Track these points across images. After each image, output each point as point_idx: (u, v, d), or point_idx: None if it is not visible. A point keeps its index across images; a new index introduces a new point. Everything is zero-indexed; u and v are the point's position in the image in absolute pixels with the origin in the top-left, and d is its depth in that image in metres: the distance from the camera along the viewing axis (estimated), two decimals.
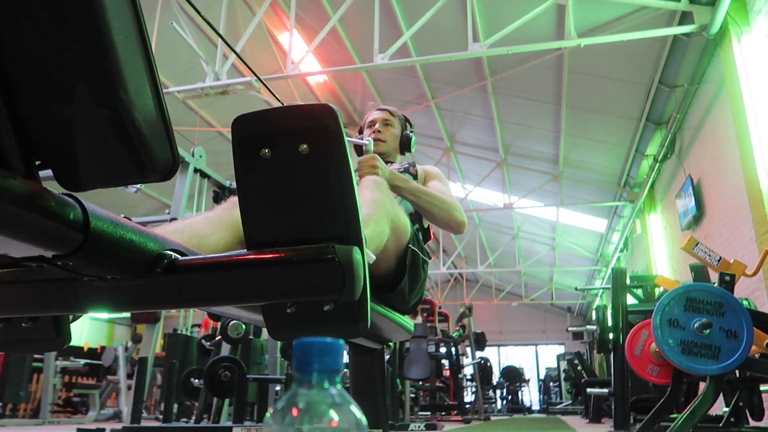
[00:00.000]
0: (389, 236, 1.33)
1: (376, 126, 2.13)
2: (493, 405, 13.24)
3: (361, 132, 2.22)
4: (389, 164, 1.98)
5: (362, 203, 1.27)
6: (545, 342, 19.03)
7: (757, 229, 4.76)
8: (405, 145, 2.17)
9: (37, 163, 0.59)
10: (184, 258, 0.72)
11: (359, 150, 2.09)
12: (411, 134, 2.18)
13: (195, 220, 1.33)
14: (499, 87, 7.88)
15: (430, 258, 1.65)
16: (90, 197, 0.59)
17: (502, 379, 13.79)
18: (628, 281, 4.13)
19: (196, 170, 4.83)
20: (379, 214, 1.29)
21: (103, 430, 3.98)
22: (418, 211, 1.83)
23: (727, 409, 3.12)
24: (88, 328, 15.03)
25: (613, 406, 3.89)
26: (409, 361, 6.64)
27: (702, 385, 2.67)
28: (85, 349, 8.82)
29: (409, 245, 1.49)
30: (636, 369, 3.07)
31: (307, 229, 0.74)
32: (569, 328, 6.89)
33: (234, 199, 1.43)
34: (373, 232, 1.22)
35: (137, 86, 0.57)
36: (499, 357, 18.70)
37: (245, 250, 0.74)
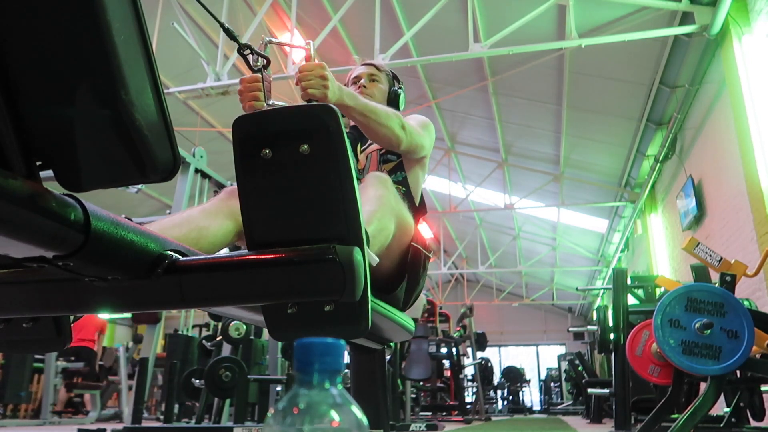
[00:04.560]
0: (393, 234, 1.32)
1: (362, 81, 1.96)
2: (494, 405, 13.24)
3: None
4: None
5: (366, 200, 1.25)
6: (546, 342, 19.02)
7: (758, 229, 4.75)
8: (393, 102, 1.99)
9: (38, 163, 0.59)
10: (184, 258, 0.72)
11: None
12: (399, 90, 2.03)
13: (192, 213, 1.33)
14: (499, 87, 7.88)
15: (431, 253, 1.62)
16: (91, 198, 0.59)
17: (503, 380, 13.78)
18: (629, 281, 4.13)
19: (196, 171, 4.83)
20: (383, 211, 1.27)
21: (104, 430, 3.98)
22: (364, 132, 1.68)
23: (728, 410, 3.12)
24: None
25: (614, 407, 3.89)
26: (410, 361, 6.64)
27: (703, 386, 2.67)
28: None
29: (413, 242, 1.48)
30: (637, 369, 3.07)
31: (308, 229, 0.74)
32: (570, 329, 6.88)
33: (229, 189, 1.42)
34: (376, 230, 1.20)
35: (138, 87, 0.57)
36: (500, 357, 18.70)
37: (246, 251, 0.74)
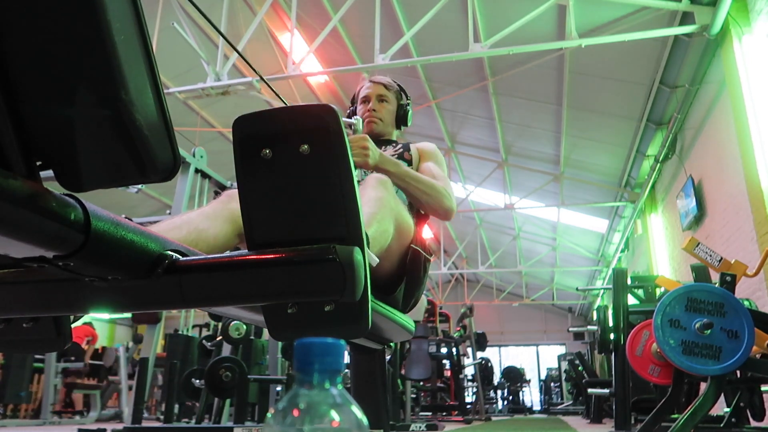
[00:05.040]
0: (393, 235, 1.32)
1: (370, 104, 2.01)
2: (494, 405, 13.24)
3: (353, 103, 2.11)
4: (384, 146, 1.93)
5: (366, 202, 1.26)
6: (546, 342, 19.02)
7: (758, 229, 4.75)
8: (402, 120, 2.06)
9: (38, 163, 0.59)
10: (185, 258, 0.72)
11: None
12: (408, 107, 2.07)
13: (191, 215, 1.32)
14: (499, 87, 7.88)
15: (431, 255, 1.63)
16: (91, 197, 0.59)
17: (503, 380, 13.79)
18: (629, 282, 4.13)
19: (197, 171, 4.83)
20: (383, 213, 1.27)
21: (104, 430, 3.98)
22: (408, 198, 1.76)
23: (728, 410, 3.12)
24: None
25: (614, 407, 3.89)
26: (410, 361, 6.64)
27: (703, 386, 2.67)
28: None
29: (412, 244, 1.48)
30: (637, 369, 3.07)
31: (308, 229, 0.74)
32: (570, 329, 6.89)
33: (229, 193, 1.43)
34: (376, 232, 1.21)
35: (138, 87, 0.57)
36: (500, 357, 18.70)
37: (246, 251, 0.74)
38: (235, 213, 1.30)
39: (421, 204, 1.72)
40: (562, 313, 19.09)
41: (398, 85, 2.10)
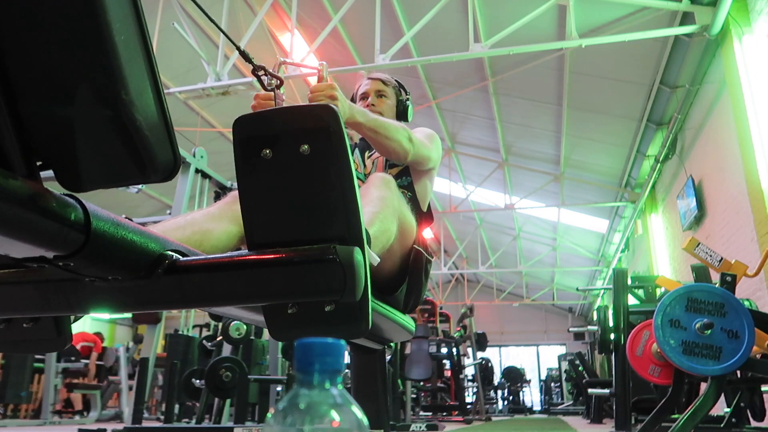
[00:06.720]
0: (395, 235, 1.32)
1: (369, 100, 1.99)
2: (495, 405, 13.24)
3: (353, 101, 2.04)
4: None
5: (369, 201, 1.25)
6: (546, 342, 19.01)
7: (759, 229, 4.75)
8: (402, 115, 2.03)
9: (38, 163, 0.59)
10: (185, 258, 0.72)
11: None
12: (407, 102, 2.06)
13: (196, 215, 1.32)
14: (500, 87, 7.87)
15: (432, 257, 1.63)
16: (91, 198, 0.59)
17: (503, 380, 13.79)
18: (629, 282, 4.13)
19: (197, 171, 4.83)
20: (385, 212, 1.27)
21: (105, 430, 3.98)
22: (373, 146, 1.72)
23: (728, 410, 3.12)
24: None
25: (614, 407, 3.89)
26: (411, 361, 6.64)
27: (703, 386, 2.67)
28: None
29: (414, 245, 1.48)
30: (637, 369, 3.07)
31: (308, 229, 0.74)
32: (570, 329, 6.89)
33: (234, 194, 1.42)
34: (378, 231, 1.20)
35: (138, 87, 0.57)
36: (500, 357, 18.69)
37: (246, 251, 0.74)
38: (239, 214, 1.29)
39: (387, 149, 1.67)
40: (563, 313, 19.08)
41: (396, 81, 2.08)
